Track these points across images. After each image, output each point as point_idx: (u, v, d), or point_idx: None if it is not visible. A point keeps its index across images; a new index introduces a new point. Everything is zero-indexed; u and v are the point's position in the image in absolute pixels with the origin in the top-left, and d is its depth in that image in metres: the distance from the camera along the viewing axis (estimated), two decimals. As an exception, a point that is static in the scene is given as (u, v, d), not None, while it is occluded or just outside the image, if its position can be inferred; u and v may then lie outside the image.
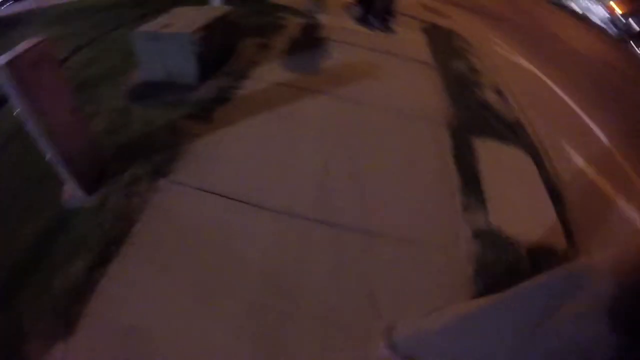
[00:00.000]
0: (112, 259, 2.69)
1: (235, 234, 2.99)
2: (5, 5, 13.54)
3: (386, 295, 2.75)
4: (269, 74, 5.17)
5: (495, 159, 4.43)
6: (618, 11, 14.84)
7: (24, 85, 2.45)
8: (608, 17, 15.14)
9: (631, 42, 13.34)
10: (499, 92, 6.30)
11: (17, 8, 11.64)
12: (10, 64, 2.32)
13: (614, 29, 14.68)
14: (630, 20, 14.10)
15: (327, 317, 2.57)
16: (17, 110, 2.61)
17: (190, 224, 3.01)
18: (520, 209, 3.87)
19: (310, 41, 6.49)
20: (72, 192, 3.17)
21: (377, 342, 2.45)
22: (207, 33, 4.59)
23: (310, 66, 5.61)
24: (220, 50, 5.18)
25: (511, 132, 5.16)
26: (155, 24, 4.55)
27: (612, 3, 15.18)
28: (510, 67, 8.12)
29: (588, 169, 5.13)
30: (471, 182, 3.95)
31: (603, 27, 15.18)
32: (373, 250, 3.05)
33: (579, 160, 5.26)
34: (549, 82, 7.85)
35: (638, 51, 12.91)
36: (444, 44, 7.83)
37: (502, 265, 3.20)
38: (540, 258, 3.36)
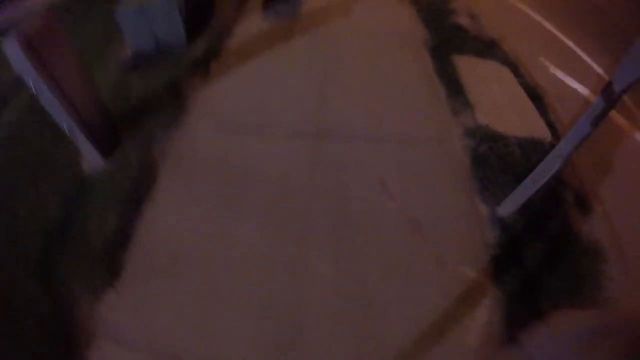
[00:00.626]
0: (144, 204, 3.00)
1: (251, 160, 3.31)
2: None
3: (395, 185, 3.10)
4: (250, 25, 5.41)
5: (475, 71, 4.72)
6: None
7: (36, 55, 2.66)
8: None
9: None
10: (472, 16, 6.52)
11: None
12: (20, 37, 2.53)
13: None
14: None
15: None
16: (31, 84, 2.81)
17: (210, 159, 3.34)
18: (504, 110, 4.19)
19: None
20: (91, 159, 3.41)
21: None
22: None
23: (286, 13, 5.83)
24: (201, 10, 5.36)
25: (487, 48, 5.42)
26: None
27: None
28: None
29: (566, 78, 5.43)
30: (455, 90, 4.27)
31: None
32: (382, 151, 3.40)
33: (557, 72, 5.56)
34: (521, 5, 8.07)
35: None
36: None
37: (495, 156, 3.53)
38: (529, 148, 3.71)
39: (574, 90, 5.18)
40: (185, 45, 4.84)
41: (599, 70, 5.87)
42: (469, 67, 4.74)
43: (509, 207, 3.05)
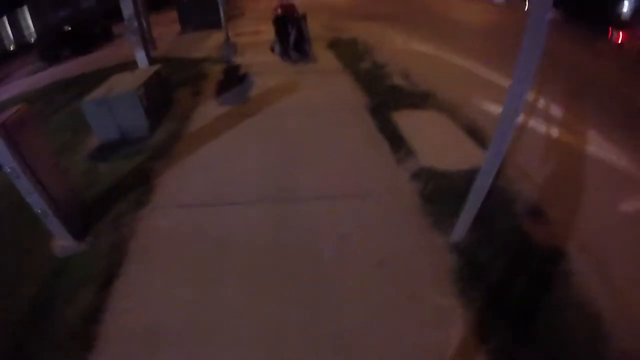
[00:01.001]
0: (116, 280, 3.12)
1: (217, 230, 3.56)
2: None
3: (356, 235, 3.41)
4: (207, 111, 5.99)
5: (413, 121, 5.28)
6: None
7: (13, 143, 2.95)
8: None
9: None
10: (406, 76, 7.28)
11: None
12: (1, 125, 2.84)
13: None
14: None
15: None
16: (8, 169, 3.04)
17: (176, 234, 3.54)
18: (444, 150, 4.65)
19: (233, 79, 7.38)
20: (64, 242, 3.55)
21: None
22: (146, 88, 5.27)
23: (238, 97, 6.51)
24: (160, 102, 5.84)
25: (422, 100, 6.06)
26: (100, 91, 5.18)
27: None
28: (413, 53, 9.25)
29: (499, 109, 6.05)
30: (398, 143, 4.75)
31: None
32: (340, 207, 3.73)
33: (491, 106, 6.18)
34: (445, 54, 9.01)
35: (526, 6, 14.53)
36: (349, 52, 9.02)
37: (442, 191, 3.91)
38: (472, 177, 4.06)
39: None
40: (149, 133, 5.27)
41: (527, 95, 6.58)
42: (407, 119, 5.30)
43: (460, 231, 3.30)
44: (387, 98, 6.14)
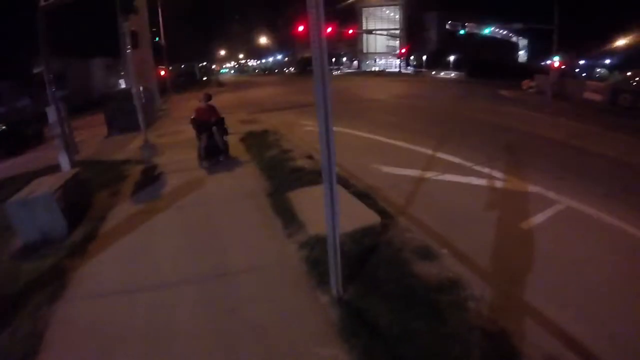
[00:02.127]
0: None
1: (127, 317, 3.95)
2: None
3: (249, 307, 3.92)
4: (121, 209, 6.62)
5: (307, 197, 6.13)
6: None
7: None
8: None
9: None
10: (309, 157, 8.29)
11: None
12: None
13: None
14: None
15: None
16: None
17: (87, 323, 3.91)
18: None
19: (150, 179, 8.16)
20: None
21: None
22: (64, 190, 5.82)
23: (154, 194, 7.23)
24: (78, 203, 6.37)
25: (320, 176, 6.89)
26: (22, 193, 5.69)
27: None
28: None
29: (397, 170, 7.15)
30: (290, 219, 5.51)
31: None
32: (236, 282, 4.26)
33: (389, 169, 7.28)
34: (349, 130, 10.24)
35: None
36: (259, 143, 10.19)
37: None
38: (359, 235, 4.76)
39: (405, 176, 6.75)
40: (66, 233, 5.70)
41: (428, 151, 7.76)
42: (301, 197, 6.17)
43: (336, 286, 3.72)
44: (288, 180, 7.04)
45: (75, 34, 34.13)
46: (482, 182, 6.49)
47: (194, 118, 8.89)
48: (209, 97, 8.98)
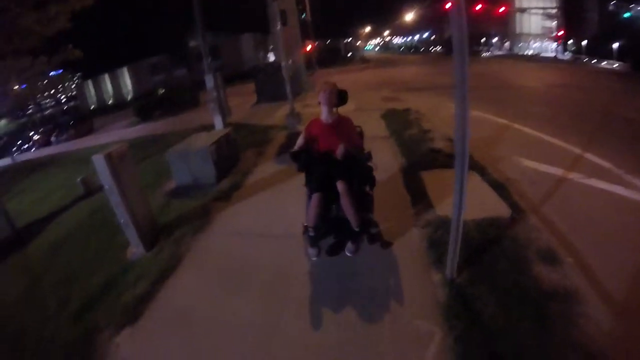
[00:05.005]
0: (167, 279, 4.15)
1: (252, 254, 4.45)
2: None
3: (364, 272, 4.03)
4: (266, 168, 7.23)
5: (441, 178, 5.85)
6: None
7: (113, 168, 4.23)
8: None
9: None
10: (448, 139, 7.96)
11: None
12: (106, 156, 4.17)
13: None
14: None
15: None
16: (107, 187, 4.33)
17: (221, 253, 4.52)
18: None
19: (293, 144, 8.51)
20: (135, 250, 4.76)
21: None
22: (216, 145, 6.62)
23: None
24: (227, 158, 7.19)
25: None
26: (181, 146, 6.71)
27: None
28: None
29: (537, 165, 6.48)
30: (419, 196, 5.35)
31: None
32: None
33: (529, 163, 6.61)
34: (494, 117, 9.55)
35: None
36: (399, 120, 9.97)
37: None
38: (485, 225, 4.45)
39: (545, 173, 6.16)
40: (215, 182, 6.57)
41: (575, 149, 6.99)
42: (433, 177, 5.91)
43: (451, 268, 3.63)
44: (423, 159, 6.82)
45: (228, 12, 37.51)
46: (632, 194, 5.45)
47: (299, 148, 4.20)
48: (339, 97, 4.25)
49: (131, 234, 4.63)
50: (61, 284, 4.58)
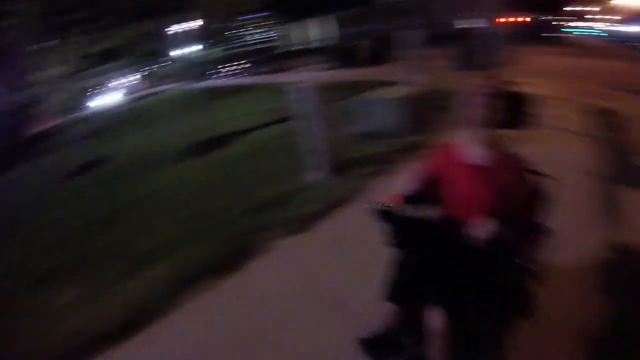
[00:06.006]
0: (340, 206, 4.85)
1: None
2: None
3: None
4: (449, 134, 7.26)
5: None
6: None
7: (311, 99, 5.20)
8: None
9: None
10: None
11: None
12: (306, 87, 5.17)
13: None
14: None
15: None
16: (301, 115, 5.22)
17: None
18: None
19: None
20: (316, 175, 5.55)
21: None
22: (405, 100, 7.21)
23: None
24: (415, 114, 7.54)
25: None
26: (370, 94, 7.56)
27: None
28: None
29: None
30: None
31: None
32: None
33: None
34: None
35: None
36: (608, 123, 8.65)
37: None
38: None
39: None
40: (404, 135, 7.02)
41: None
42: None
43: None
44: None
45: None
46: None
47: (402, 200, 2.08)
48: (512, 109, 1.91)
49: (317, 159, 5.49)
50: (245, 185, 5.82)
